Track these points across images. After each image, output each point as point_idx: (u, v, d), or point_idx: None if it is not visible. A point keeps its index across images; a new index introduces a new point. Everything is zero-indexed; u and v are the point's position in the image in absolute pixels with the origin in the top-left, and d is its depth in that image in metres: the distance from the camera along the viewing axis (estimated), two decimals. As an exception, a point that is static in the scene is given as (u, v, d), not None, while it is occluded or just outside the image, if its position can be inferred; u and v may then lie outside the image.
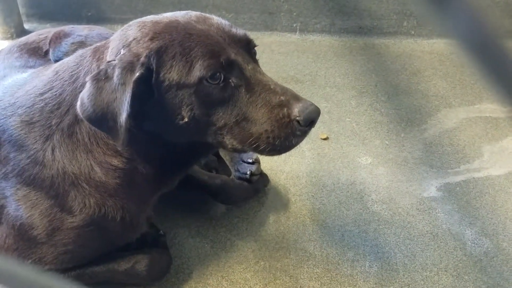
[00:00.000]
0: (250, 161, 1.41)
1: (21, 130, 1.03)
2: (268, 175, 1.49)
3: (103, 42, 1.03)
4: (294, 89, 1.94)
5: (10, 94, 1.08)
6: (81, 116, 0.92)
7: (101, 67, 0.93)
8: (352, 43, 2.29)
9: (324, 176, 1.55)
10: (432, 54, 2.19)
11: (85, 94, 0.91)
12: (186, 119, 0.93)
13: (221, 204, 1.43)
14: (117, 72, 0.89)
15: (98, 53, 1.00)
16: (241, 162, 1.43)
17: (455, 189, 1.51)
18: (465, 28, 0.17)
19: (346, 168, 1.59)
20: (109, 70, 0.90)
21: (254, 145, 0.95)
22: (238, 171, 1.43)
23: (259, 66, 0.99)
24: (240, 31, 0.98)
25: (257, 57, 1.04)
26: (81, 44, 1.32)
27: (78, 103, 0.92)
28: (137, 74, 0.88)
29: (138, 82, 0.88)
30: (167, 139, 1.00)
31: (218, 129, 0.96)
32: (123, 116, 0.87)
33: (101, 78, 0.90)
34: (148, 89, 0.91)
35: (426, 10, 0.16)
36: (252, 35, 1.04)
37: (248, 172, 1.40)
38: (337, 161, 1.61)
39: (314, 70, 2.09)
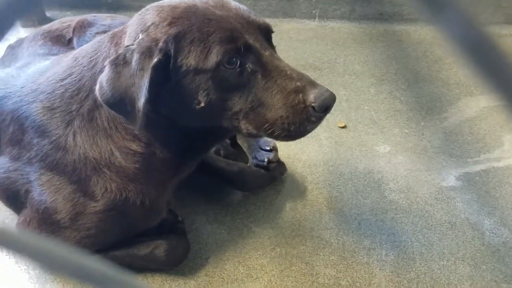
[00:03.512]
0: (268, 148, 1.42)
1: (43, 116, 1.05)
2: (285, 163, 1.50)
3: (121, 27, 1.03)
4: (312, 76, 1.93)
5: (33, 81, 1.10)
6: (100, 99, 0.93)
7: (119, 52, 0.94)
8: (372, 30, 2.27)
9: (341, 164, 1.55)
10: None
11: (104, 78, 0.92)
12: (202, 104, 0.93)
13: (238, 191, 1.45)
14: (135, 57, 0.90)
15: (116, 38, 1.01)
16: (258, 149, 1.43)
17: (474, 178, 1.50)
18: (456, 26, 0.17)
19: (364, 157, 1.58)
20: (127, 55, 0.91)
21: (269, 131, 0.96)
22: (256, 158, 1.44)
23: (276, 52, 0.99)
24: (258, 18, 0.98)
25: (275, 44, 1.03)
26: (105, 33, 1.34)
27: (97, 86, 0.93)
28: (155, 59, 0.88)
29: (156, 68, 0.88)
30: (183, 123, 1.01)
31: (234, 114, 0.96)
32: (141, 101, 0.88)
33: (119, 63, 0.91)
34: (166, 74, 0.92)
35: (419, 9, 0.17)
36: (270, 22, 1.03)
37: (266, 160, 1.41)
38: (355, 149, 1.61)
39: (333, 58, 2.08)
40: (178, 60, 0.91)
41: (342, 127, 1.69)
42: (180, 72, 0.91)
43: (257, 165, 1.43)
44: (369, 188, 1.48)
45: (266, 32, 0.99)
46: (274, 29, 1.02)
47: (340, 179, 1.50)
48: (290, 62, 1.01)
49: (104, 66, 0.94)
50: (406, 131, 1.68)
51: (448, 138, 1.65)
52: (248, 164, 1.46)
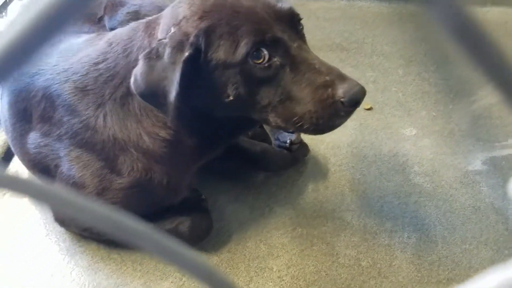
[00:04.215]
0: (290, 130, 1.42)
1: (74, 96, 1.09)
2: (308, 144, 1.50)
3: (155, 17, 1.05)
4: (339, 57, 1.92)
5: (65, 60, 1.14)
6: (134, 92, 0.96)
7: (152, 45, 0.97)
8: (401, 10, 2.21)
9: (365, 147, 1.55)
10: (485, 23, 2.08)
11: (138, 72, 0.94)
12: (231, 97, 0.95)
13: (260, 172, 1.46)
14: (167, 51, 0.92)
15: (150, 29, 1.02)
16: (281, 130, 1.44)
17: (501, 163, 1.47)
18: (443, 8, 0.18)
19: (389, 139, 1.57)
20: (160, 49, 0.93)
21: (298, 124, 0.97)
22: (278, 139, 1.45)
23: (305, 43, 0.99)
24: (285, 6, 0.97)
25: (302, 23, 1.02)
26: (136, 14, 1.37)
27: (132, 79, 0.96)
28: (187, 54, 0.90)
29: (187, 62, 0.90)
30: (213, 114, 1.04)
31: (263, 107, 0.97)
32: (172, 94, 0.91)
33: (152, 56, 0.93)
34: (196, 67, 0.93)
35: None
36: (297, 1, 1.02)
37: (288, 141, 1.42)
38: (380, 132, 1.60)
39: (361, 38, 2.04)
40: (208, 54, 0.92)
41: (368, 109, 1.68)
42: (210, 66, 0.93)
43: (279, 146, 1.44)
44: (393, 171, 1.47)
45: (294, 21, 0.98)
46: (301, 8, 1.01)
47: (363, 162, 1.50)
48: (317, 43, 1.01)
49: (138, 58, 0.96)
50: (434, 113, 1.66)
51: (476, 122, 1.62)
52: (271, 145, 1.47)
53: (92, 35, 1.22)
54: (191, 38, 0.91)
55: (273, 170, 1.45)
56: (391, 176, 1.45)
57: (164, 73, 0.92)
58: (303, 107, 0.94)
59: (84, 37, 1.21)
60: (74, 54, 1.14)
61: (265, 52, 0.91)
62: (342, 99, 0.91)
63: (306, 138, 1.51)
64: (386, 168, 1.48)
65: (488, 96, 1.71)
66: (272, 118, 0.99)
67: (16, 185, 0.22)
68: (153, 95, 0.94)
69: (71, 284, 1.19)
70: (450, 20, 0.17)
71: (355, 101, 0.92)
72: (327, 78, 0.92)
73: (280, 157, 1.43)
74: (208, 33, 0.91)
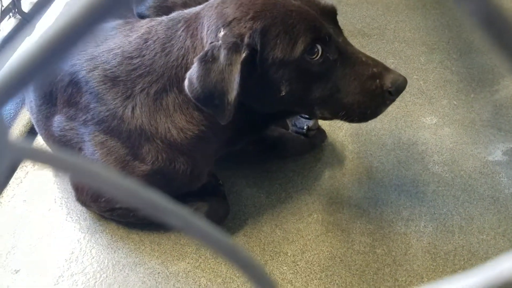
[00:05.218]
0: (307, 116, 1.42)
1: (103, 85, 1.10)
2: (326, 131, 1.50)
3: (192, 15, 1.05)
4: (360, 43, 1.90)
5: (93, 46, 1.14)
6: (190, 95, 0.97)
7: (196, 46, 0.99)
8: (426, -4, 2.17)
9: (384, 134, 1.54)
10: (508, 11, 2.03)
11: (193, 75, 0.95)
12: (283, 93, 0.99)
13: (277, 157, 1.46)
14: (223, 53, 0.93)
15: (192, 29, 1.03)
16: (298, 116, 1.44)
17: (522, 154, 1.45)
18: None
19: (409, 128, 1.56)
20: (215, 52, 0.94)
21: (345, 115, 1.03)
22: (295, 125, 1.45)
23: (345, 37, 1.03)
24: (328, 3, 1.01)
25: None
26: (164, 1, 1.37)
27: (186, 83, 0.97)
28: (244, 55, 0.92)
29: (244, 62, 0.92)
30: (259, 110, 1.06)
31: (312, 101, 1.02)
32: (232, 95, 0.92)
33: (208, 60, 0.94)
34: (251, 67, 0.95)
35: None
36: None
37: (305, 127, 1.42)
38: (400, 120, 1.58)
39: (383, 24, 2.02)
40: (265, 53, 0.95)
41: (388, 97, 1.66)
42: (266, 64, 0.96)
43: (296, 132, 1.44)
44: (412, 159, 1.46)
45: (334, 17, 1.02)
46: None
47: (382, 150, 1.49)
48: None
49: (180, 58, 1.00)
50: (455, 102, 1.63)
51: (498, 112, 1.59)
52: (288, 131, 1.47)
53: (120, 22, 1.21)
54: (246, 39, 0.93)
55: (290, 155, 1.46)
56: (409, 165, 1.44)
57: (221, 75, 0.93)
58: (352, 98, 0.99)
59: (112, 23, 1.20)
60: (103, 41, 1.14)
61: (319, 48, 0.95)
62: (390, 89, 0.98)
63: (324, 124, 1.51)
64: (405, 156, 1.47)
65: (510, 86, 1.68)
66: (318, 110, 1.04)
67: (44, 157, 0.23)
68: (209, 97, 0.95)
69: (90, 261, 1.22)
70: (478, 8, 0.17)
71: (401, 90, 0.99)
72: (374, 70, 0.98)
73: (297, 143, 1.44)
74: (263, 33, 0.93)
